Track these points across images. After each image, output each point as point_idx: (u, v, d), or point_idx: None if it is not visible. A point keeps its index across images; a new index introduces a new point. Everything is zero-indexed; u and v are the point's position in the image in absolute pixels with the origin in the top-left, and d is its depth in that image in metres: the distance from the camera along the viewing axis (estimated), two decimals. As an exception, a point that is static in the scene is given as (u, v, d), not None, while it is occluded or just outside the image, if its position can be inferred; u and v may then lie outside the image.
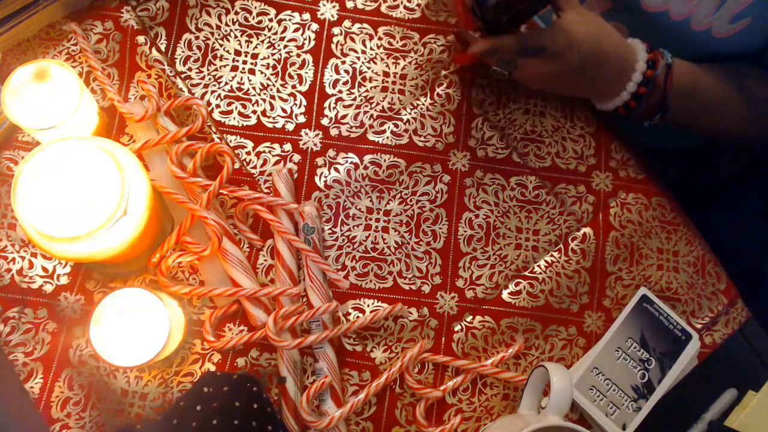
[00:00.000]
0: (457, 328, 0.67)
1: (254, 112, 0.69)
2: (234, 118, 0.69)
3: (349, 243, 0.67)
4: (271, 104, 0.69)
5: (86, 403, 0.61)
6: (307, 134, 0.69)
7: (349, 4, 0.72)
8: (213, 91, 0.69)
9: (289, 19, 0.71)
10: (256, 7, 0.71)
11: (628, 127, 0.72)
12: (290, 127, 0.69)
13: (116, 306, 0.59)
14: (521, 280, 0.68)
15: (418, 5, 0.73)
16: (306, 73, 0.70)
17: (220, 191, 0.64)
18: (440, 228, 0.69)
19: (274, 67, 0.70)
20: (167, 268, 0.62)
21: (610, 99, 0.66)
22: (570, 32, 0.60)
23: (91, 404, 0.61)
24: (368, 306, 0.66)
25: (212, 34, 0.70)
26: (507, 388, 0.67)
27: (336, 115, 0.70)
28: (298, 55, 0.70)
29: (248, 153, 0.68)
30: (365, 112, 0.70)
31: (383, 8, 0.72)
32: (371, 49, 0.71)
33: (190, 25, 0.70)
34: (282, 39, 0.71)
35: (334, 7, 0.72)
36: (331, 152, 0.69)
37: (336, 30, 0.71)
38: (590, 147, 0.72)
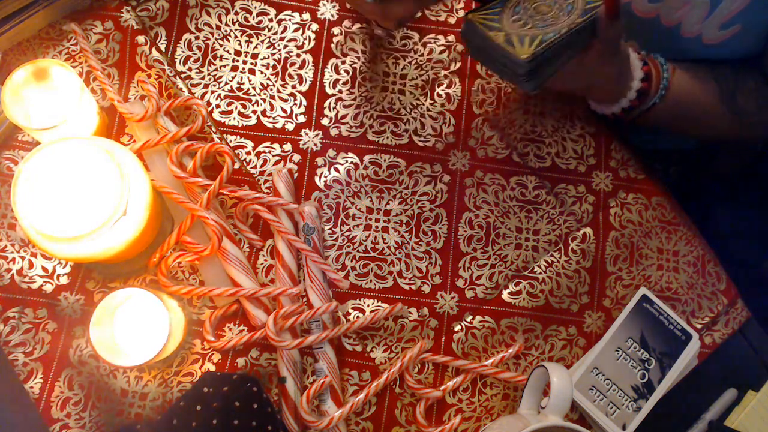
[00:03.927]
0: (457, 328, 0.67)
1: (254, 112, 0.69)
2: (234, 118, 0.69)
3: (349, 243, 0.67)
4: (271, 104, 0.69)
5: (86, 403, 0.61)
6: (307, 134, 0.69)
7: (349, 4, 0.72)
8: (213, 91, 0.69)
9: (289, 19, 0.71)
10: (256, 7, 0.71)
11: (636, 130, 0.73)
12: (290, 127, 0.69)
13: (116, 306, 0.59)
14: (521, 280, 0.68)
15: (418, 5, 0.73)
16: (306, 73, 0.70)
17: (220, 191, 0.64)
18: (440, 228, 0.69)
19: (274, 67, 0.70)
20: (167, 268, 0.62)
21: (606, 106, 0.68)
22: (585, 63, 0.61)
23: (91, 404, 0.61)
24: (368, 306, 0.66)
25: (212, 34, 0.70)
26: (507, 388, 0.67)
27: (336, 115, 0.70)
28: (298, 55, 0.70)
29: (248, 153, 0.68)
30: (365, 112, 0.70)
31: (383, 8, 0.72)
32: (371, 48, 0.71)
33: (190, 25, 0.70)
34: (282, 39, 0.71)
35: (334, 7, 0.72)
36: (331, 152, 0.69)
37: (336, 30, 0.71)
38: (590, 147, 0.72)
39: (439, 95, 0.71)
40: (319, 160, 0.69)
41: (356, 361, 0.65)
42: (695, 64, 0.68)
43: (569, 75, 0.62)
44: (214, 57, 0.69)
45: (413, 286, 0.67)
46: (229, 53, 0.70)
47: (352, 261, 0.67)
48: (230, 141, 0.68)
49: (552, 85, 0.66)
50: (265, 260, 0.66)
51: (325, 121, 0.70)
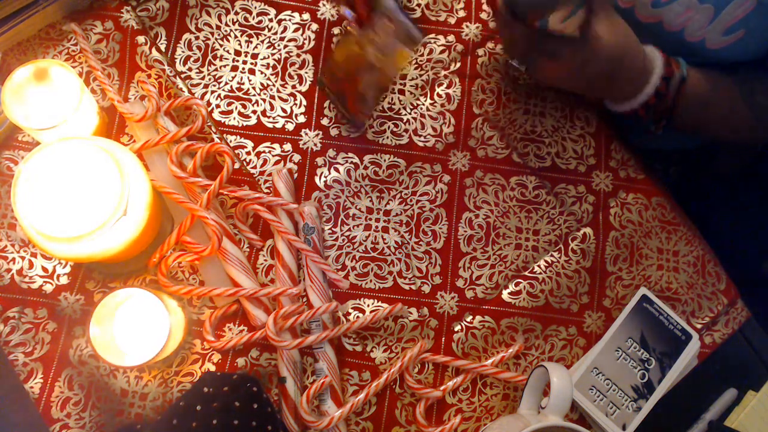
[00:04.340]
0: (457, 328, 0.67)
1: (254, 112, 0.69)
2: (234, 118, 0.69)
3: (349, 243, 0.67)
4: (271, 104, 0.69)
5: (86, 403, 0.61)
6: (307, 134, 0.69)
7: (349, 4, 0.72)
8: (213, 91, 0.69)
9: (289, 19, 0.71)
10: (256, 7, 0.71)
11: (635, 130, 0.72)
12: (290, 127, 0.69)
13: (116, 306, 0.59)
14: (521, 280, 0.68)
15: (418, 5, 0.73)
16: (306, 73, 0.70)
17: (220, 191, 0.64)
18: (440, 228, 0.69)
19: (274, 67, 0.70)
20: (167, 268, 0.62)
21: (621, 103, 0.66)
22: (596, 40, 0.59)
23: (91, 404, 0.61)
24: (368, 306, 0.66)
25: (212, 34, 0.70)
26: (507, 388, 0.67)
27: (336, 115, 0.70)
28: (298, 55, 0.70)
29: (248, 153, 0.68)
30: (365, 112, 0.70)
31: (383, 8, 0.72)
32: (371, 49, 0.71)
33: (190, 25, 0.70)
34: (282, 39, 0.71)
35: (333, 7, 0.71)
36: (331, 152, 0.69)
37: (336, 30, 0.71)
38: (590, 147, 0.72)
39: (439, 95, 0.71)
40: (319, 160, 0.69)
41: (356, 361, 0.65)
42: (710, 69, 0.68)
43: (584, 61, 0.61)
44: (214, 57, 0.69)
45: (413, 286, 0.67)
46: (229, 53, 0.70)
47: (352, 261, 0.67)
48: (230, 141, 0.68)
49: (572, 85, 0.65)
50: (265, 260, 0.66)
51: (325, 121, 0.70)
